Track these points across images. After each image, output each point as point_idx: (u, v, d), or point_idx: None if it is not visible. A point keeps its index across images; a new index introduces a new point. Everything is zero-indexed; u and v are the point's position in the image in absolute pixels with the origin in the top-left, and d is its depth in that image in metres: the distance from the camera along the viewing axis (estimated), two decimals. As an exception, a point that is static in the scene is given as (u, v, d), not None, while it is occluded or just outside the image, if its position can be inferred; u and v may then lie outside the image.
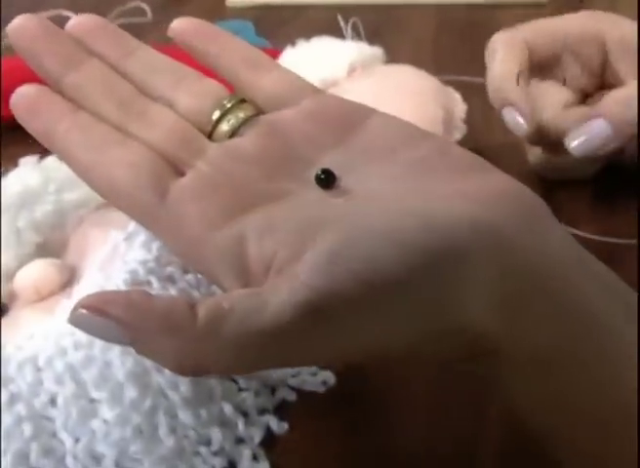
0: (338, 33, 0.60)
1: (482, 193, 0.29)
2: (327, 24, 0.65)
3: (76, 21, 0.35)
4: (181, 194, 0.30)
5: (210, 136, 0.33)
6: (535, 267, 0.28)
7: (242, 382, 0.36)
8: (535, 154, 0.52)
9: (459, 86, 0.56)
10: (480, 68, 0.62)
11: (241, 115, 0.33)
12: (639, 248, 0.45)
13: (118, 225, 0.39)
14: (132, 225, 0.36)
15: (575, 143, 0.45)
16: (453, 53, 0.65)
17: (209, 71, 0.36)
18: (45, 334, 0.33)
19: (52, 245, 0.39)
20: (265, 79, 0.35)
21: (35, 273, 0.37)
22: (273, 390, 0.37)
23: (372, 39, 0.59)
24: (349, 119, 0.33)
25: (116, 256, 0.36)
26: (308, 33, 0.59)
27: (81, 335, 0.32)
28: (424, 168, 0.31)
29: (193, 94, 0.34)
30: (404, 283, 0.26)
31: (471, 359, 0.29)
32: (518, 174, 0.40)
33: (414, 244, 0.27)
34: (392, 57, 0.57)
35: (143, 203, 0.30)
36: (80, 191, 0.40)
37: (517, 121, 0.47)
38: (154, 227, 0.31)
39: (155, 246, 0.36)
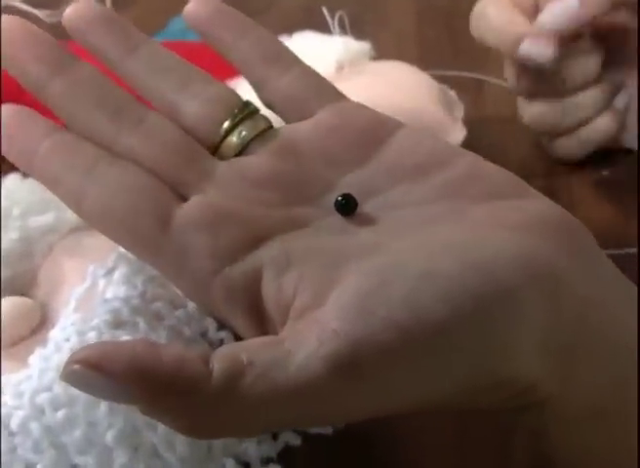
0: (316, 24, 0.56)
1: (524, 220, 0.26)
2: (304, 14, 0.61)
3: (73, 10, 0.31)
4: (187, 223, 0.27)
5: (216, 148, 0.30)
6: (588, 308, 0.25)
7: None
8: (526, 109, 0.48)
9: (447, 82, 0.53)
10: (467, 62, 0.60)
11: (254, 128, 0.30)
12: (639, 256, 0.42)
13: (94, 254, 0.34)
14: (112, 258, 0.31)
15: (544, 19, 0.43)
16: (437, 46, 0.62)
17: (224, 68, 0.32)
18: (17, 391, 0.28)
19: (19, 279, 0.35)
20: (283, 78, 0.31)
21: (3, 315, 0.32)
22: (275, 435, 0.33)
23: (352, 32, 0.56)
24: (373, 134, 0.30)
25: (95, 294, 0.31)
26: (285, 25, 0.55)
27: (60, 391, 0.28)
28: (457, 190, 0.28)
29: (202, 99, 0.30)
30: (450, 331, 0.23)
31: (516, 410, 0.26)
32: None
33: (458, 285, 0.23)
34: (374, 51, 0.54)
35: (143, 233, 0.27)
36: (48, 214, 0.36)
37: (542, 48, 0.43)
38: (156, 261, 0.28)
39: (139, 280, 0.31)
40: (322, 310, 0.24)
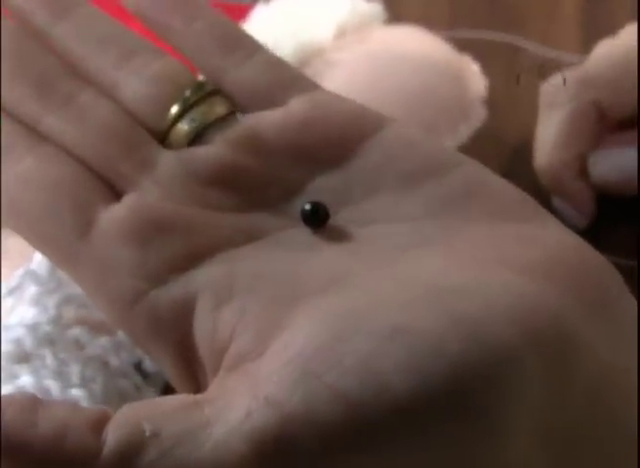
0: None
1: (530, 257, 0.21)
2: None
3: None
4: (112, 229, 0.22)
5: (163, 139, 0.25)
6: (608, 381, 0.20)
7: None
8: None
9: (477, 45, 0.46)
10: (503, 24, 0.53)
11: (209, 113, 0.25)
12: (639, 268, 0.37)
13: (19, 258, 0.29)
14: (17, 274, 0.26)
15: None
16: (472, 4, 0.55)
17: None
18: None
19: None
20: (245, 67, 0.26)
21: None
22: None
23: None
24: (354, 130, 0.25)
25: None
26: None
27: None
28: (451, 209, 0.23)
29: (145, 76, 0.25)
30: (416, 409, 0.18)
31: None
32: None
33: (432, 347, 0.18)
34: (397, 10, 0.47)
35: (58, 239, 0.23)
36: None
37: (573, 215, 0.38)
38: (73, 273, 0.23)
39: (52, 301, 0.26)
40: (259, 365, 0.19)
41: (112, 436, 0.18)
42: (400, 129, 0.25)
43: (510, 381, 0.18)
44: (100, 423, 0.18)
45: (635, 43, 0.37)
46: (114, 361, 0.27)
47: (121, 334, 0.27)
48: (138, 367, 0.28)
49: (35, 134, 0.24)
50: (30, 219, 0.23)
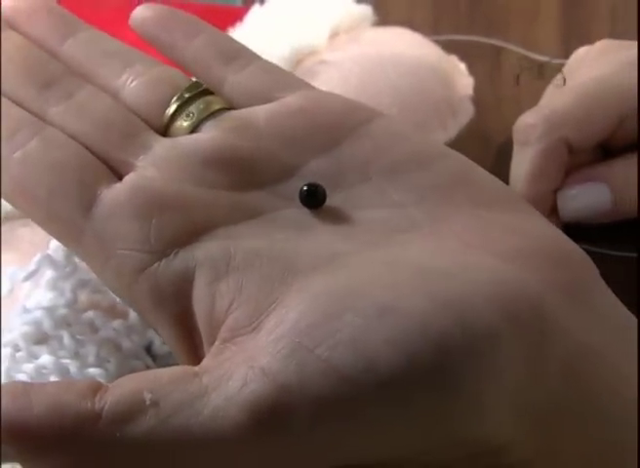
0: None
1: (513, 245, 0.22)
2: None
3: (11, 4, 0.29)
4: (114, 206, 0.23)
5: (165, 132, 0.26)
6: (582, 360, 0.21)
7: None
8: None
9: (462, 48, 0.47)
10: (486, 27, 0.54)
11: (205, 108, 0.26)
12: (639, 261, 0.38)
13: (29, 246, 0.30)
14: (35, 259, 0.27)
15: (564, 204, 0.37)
16: (454, 7, 0.56)
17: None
18: None
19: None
20: (242, 73, 0.28)
21: None
22: None
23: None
24: (345, 119, 0.26)
25: (15, 301, 0.27)
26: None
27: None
28: (438, 196, 0.24)
29: (143, 81, 0.27)
30: (403, 383, 0.19)
31: None
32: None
33: (419, 327, 0.19)
34: (382, 14, 0.48)
35: (63, 216, 0.24)
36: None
37: None
38: (77, 249, 0.24)
39: (68, 285, 0.27)
40: (254, 339, 0.20)
41: (111, 403, 0.19)
42: (390, 122, 0.27)
43: (490, 362, 0.19)
44: (93, 392, 0.19)
45: (602, 72, 0.38)
46: (126, 343, 0.28)
47: (132, 319, 0.28)
48: (148, 349, 0.29)
49: (40, 120, 0.26)
50: (38, 198, 0.24)
